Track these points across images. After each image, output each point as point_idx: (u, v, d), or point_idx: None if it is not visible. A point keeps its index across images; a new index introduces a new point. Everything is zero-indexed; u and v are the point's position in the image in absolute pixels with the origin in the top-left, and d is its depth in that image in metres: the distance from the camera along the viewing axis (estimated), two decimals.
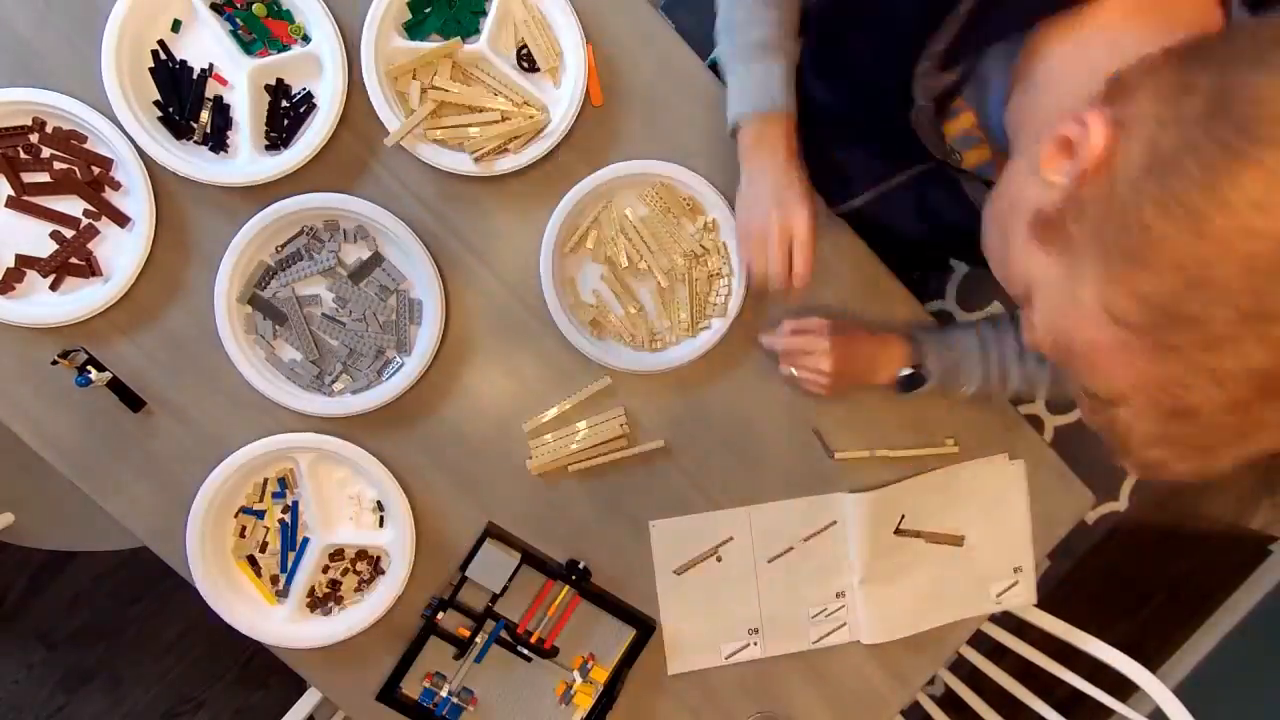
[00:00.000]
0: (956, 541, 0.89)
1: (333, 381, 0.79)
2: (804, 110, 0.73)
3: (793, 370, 0.80)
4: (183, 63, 0.75)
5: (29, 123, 0.74)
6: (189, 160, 0.74)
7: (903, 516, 0.87)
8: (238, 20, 0.75)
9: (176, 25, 0.75)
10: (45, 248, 0.75)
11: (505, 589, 0.81)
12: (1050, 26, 0.49)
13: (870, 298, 0.86)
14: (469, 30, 0.78)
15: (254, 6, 0.74)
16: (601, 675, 0.84)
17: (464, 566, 0.81)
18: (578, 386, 0.83)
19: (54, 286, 0.76)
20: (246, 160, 0.76)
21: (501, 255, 0.81)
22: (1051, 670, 0.92)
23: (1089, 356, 0.40)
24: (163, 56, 0.75)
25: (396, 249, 0.79)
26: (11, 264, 0.75)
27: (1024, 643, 0.96)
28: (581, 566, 0.83)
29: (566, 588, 0.82)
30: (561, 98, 0.79)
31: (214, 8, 0.74)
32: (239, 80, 0.75)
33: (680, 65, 0.81)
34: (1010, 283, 0.46)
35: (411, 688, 0.83)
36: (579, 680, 0.83)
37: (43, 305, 0.75)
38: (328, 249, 0.78)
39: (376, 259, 0.79)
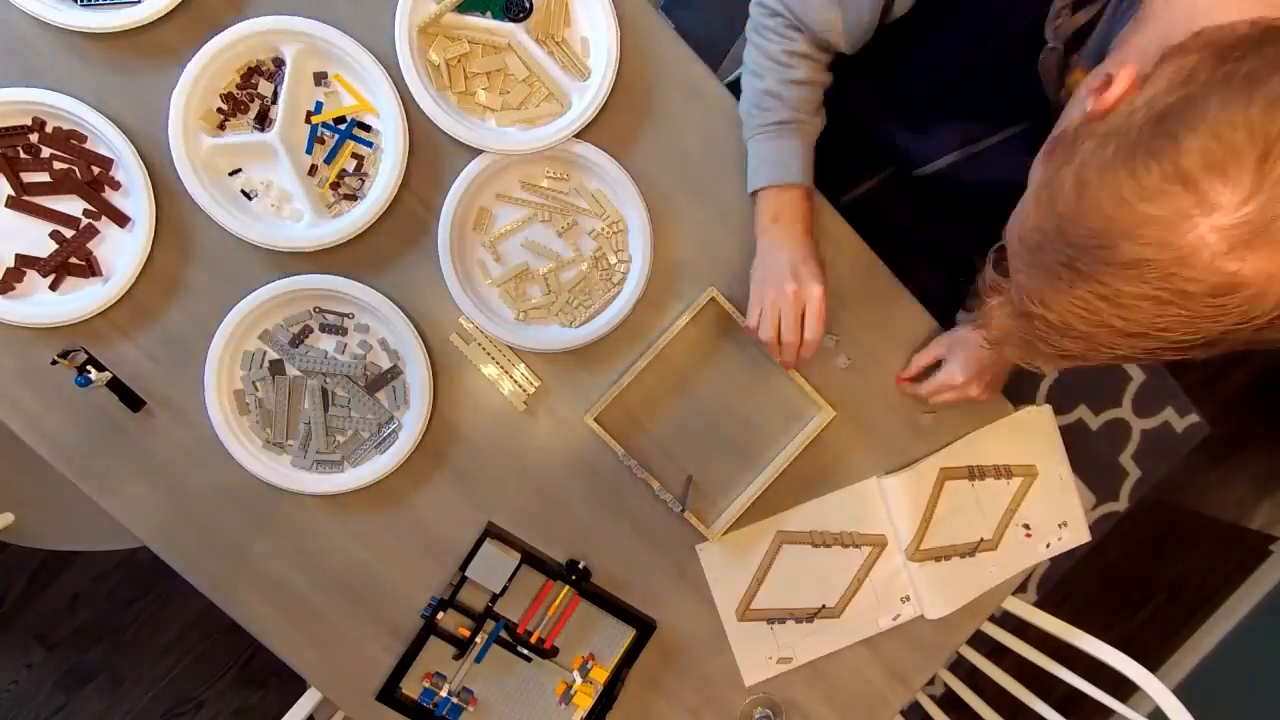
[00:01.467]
0: (1031, 473, 0.89)
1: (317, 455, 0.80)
2: (892, 90, 0.75)
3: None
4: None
5: (29, 122, 0.74)
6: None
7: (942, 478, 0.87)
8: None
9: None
10: (45, 247, 0.75)
11: (505, 589, 0.81)
12: None
13: (871, 299, 0.86)
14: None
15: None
16: (601, 675, 0.84)
17: (463, 566, 0.81)
18: (577, 378, 0.83)
19: (54, 286, 0.76)
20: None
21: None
22: (1051, 670, 0.92)
23: (1014, 248, 0.46)
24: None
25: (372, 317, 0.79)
26: (11, 264, 0.75)
27: (1024, 642, 0.96)
28: (581, 566, 0.83)
29: (566, 588, 0.82)
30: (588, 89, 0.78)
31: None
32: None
33: (685, 73, 0.81)
34: (1019, 224, 0.48)
35: (411, 688, 0.83)
36: (579, 680, 0.83)
37: (42, 305, 0.75)
38: (352, 349, 0.79)
39: (395, 372, 0.79)
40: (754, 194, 0.78)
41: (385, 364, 0.80)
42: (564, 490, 0.84)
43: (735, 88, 0.80)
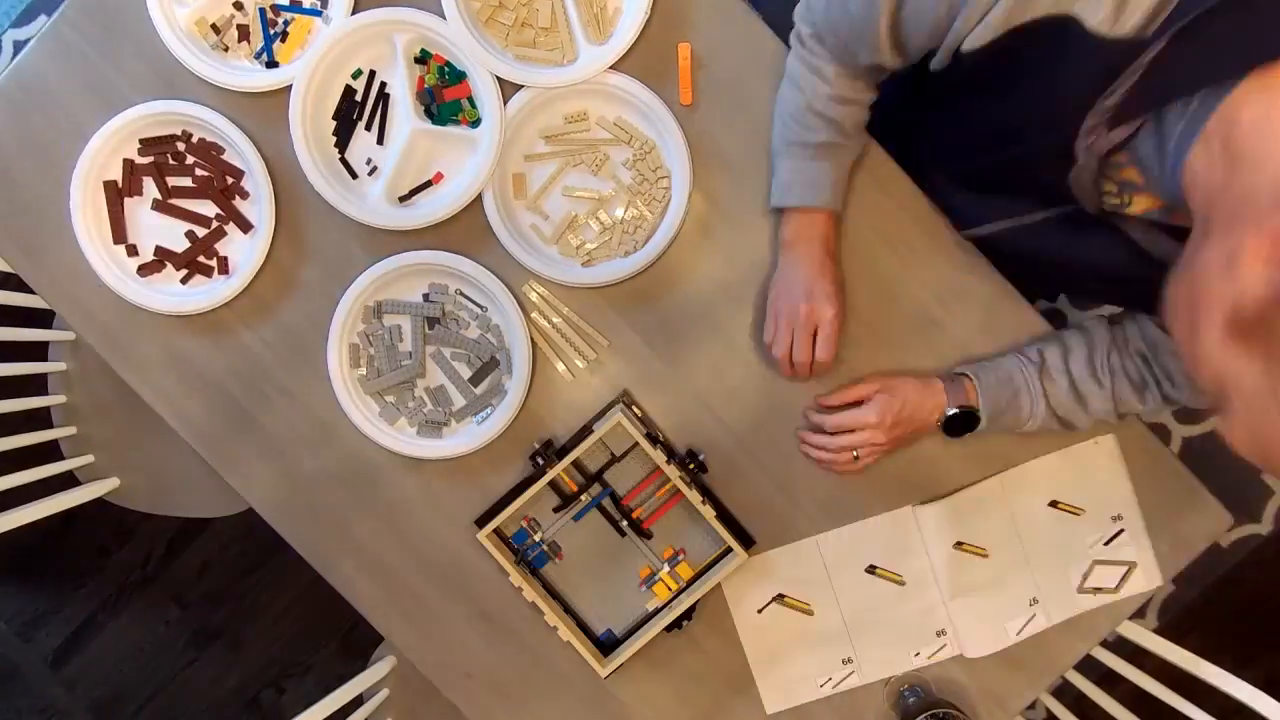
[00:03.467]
0: (1077, 510, 0.82)
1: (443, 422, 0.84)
2: (935, 150, 0.72)
3: (853, 453, 0.78)
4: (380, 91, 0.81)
5: (179, 133, 0.82)
6: (335, 188, 0.80)
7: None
8: (430, 85, 0.80)
9: (358, 74, 0.81)
10: (181, 244, 0.83)
11: (624, 455, 0.81)
12: (1266, 77, 0.40)
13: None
14: None
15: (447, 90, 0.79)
16: (687, 574, 0.83)
17: (591, 424, 0.81)
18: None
19: (185, 281, 0.84)
20: (376, 203, 0.80)
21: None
22: (1174, 705, 0.84)
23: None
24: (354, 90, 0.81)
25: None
26: (152, 255, 0.83)
27: (1141, 672, 0.88)
28: (701, 458, 0.81)
29: (679, 476, 0.80)
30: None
31: (418, 60, 0.80)
32: (401, 133, 0.80)
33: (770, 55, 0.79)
34: (1200, 378, 0.41)
35: (508, 526, 0.83)
36: (665, 570, 0.83)
37: (174, 295, 0.83)
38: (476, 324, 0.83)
39: (493, 363, 0.83)
40: (778, 211, 0.77)
41: (490, 338, 0.83)
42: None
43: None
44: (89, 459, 1.12)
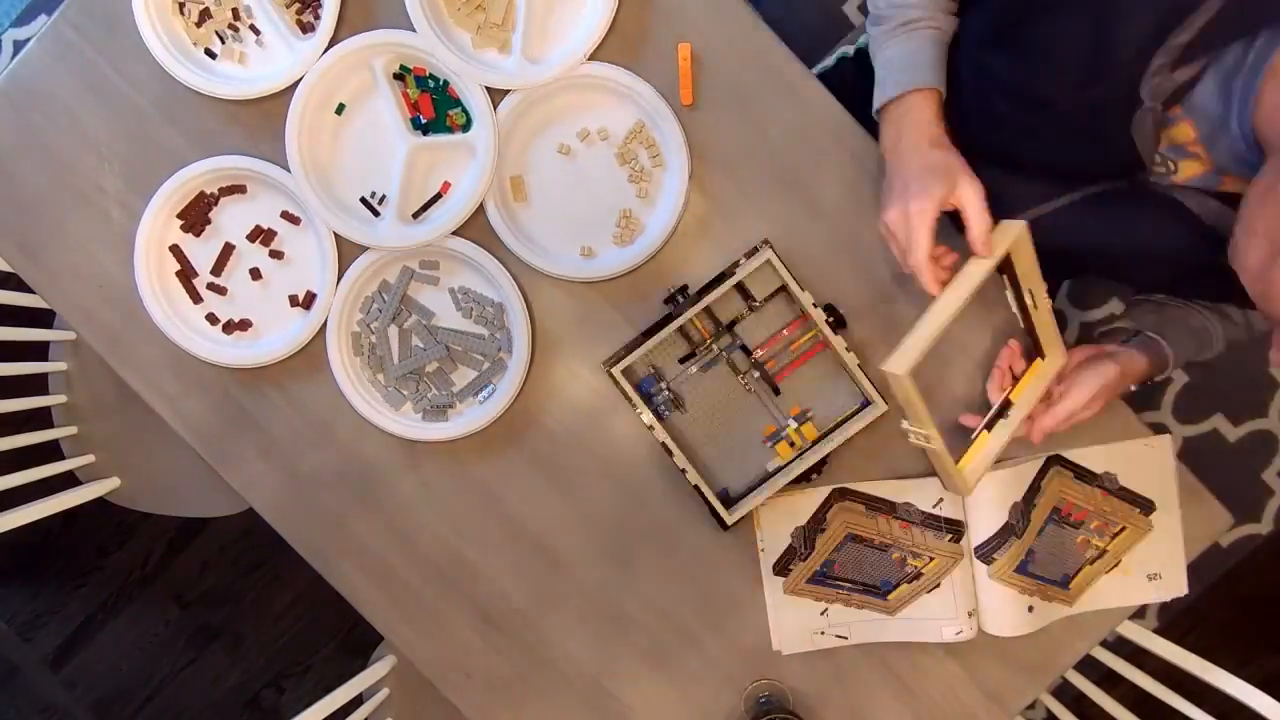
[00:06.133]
0: (1149, 507, 0.81)
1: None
2: (962, 129, 0.69)
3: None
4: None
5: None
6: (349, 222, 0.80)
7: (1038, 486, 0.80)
8: (412, 94, 0.80)
9: (340, 109, 0.80)
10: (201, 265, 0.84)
11: (763, 303, 0.79)
12: None
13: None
14: None
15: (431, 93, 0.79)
16: (812, 434, 0.82)
17: (731, 269, 0.77)
18: None
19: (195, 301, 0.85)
20: (390, 225, 0.80)
21: None
22: (1174, 705, 0.84)
23: None
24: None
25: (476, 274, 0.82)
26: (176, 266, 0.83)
27: (1141, 672, 0.88)
28: (841, 310, 0.78)
29: (814, 331, 0.78)
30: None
31: (397, 76, 0.80)
32: (398, 153, 0.80)
33: (769, 57, 0.79)
34: (1272, 299, 0.43)
35: (632, 374, 0.80)
36: (793, 426, 0.81)
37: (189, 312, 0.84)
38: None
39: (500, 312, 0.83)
40: (879, 112, 0.71)
41: (488, 312, 0.83)
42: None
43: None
44: (89, 459, 1.12)
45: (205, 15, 0.80)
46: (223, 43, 0.81)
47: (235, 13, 0.80)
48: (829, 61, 0.98)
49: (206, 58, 0.81)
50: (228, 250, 0.83)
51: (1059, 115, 0.60)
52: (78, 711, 1.58)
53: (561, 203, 0.82)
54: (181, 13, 0.81)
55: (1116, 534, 0.82)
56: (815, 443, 0.81)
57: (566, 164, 0.81)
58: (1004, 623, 0.81)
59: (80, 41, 0.81)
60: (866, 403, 0.80)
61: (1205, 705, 0.81)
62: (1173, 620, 1.56)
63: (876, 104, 0.71)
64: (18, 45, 1.50)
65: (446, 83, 0.80)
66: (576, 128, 0.81)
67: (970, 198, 0.64)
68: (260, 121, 0.81)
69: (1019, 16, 0.59)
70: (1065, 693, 0.94)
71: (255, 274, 0.83)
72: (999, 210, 0.67)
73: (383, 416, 0.83)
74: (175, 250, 0.83)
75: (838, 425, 0.81)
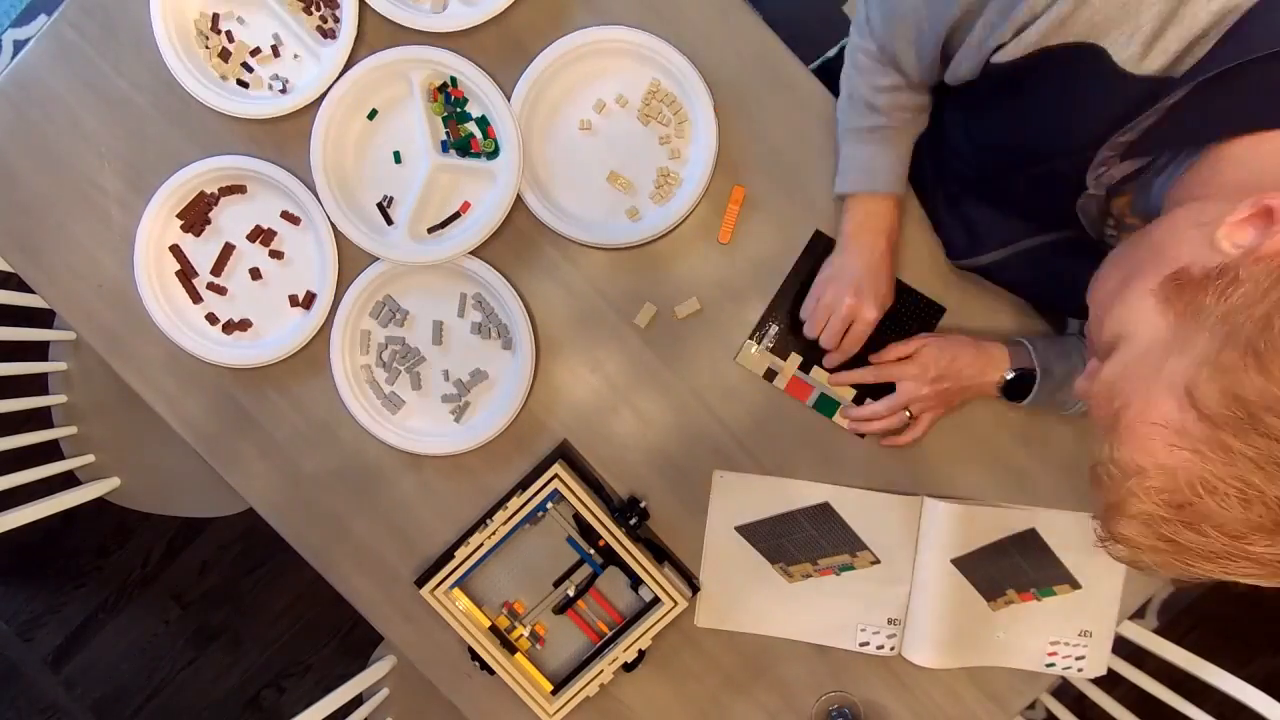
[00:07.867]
0: (1071, 584, 0.81)
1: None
2: (943, 161, 0.72)
3: (905, 412, 0.78)
4: None
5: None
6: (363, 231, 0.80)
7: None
8: (446, 118, 0.80)
9: (373, 114, 0.80)
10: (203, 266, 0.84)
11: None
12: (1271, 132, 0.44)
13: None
14: None
15: (467, 122, 0.80)
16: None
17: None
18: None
19: (195, 300, 0.84)
20: (402, 239, 0.80)
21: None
22: (1174, 705, 0.84)
23: (1134, 425, 0.39)
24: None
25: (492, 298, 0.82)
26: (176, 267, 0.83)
27: (1141, 672, 0.88)
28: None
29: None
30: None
31: (440, 89, 0.79)
32: (419, 168, 0.79)
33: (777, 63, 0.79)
34: (1102, 327, 0.45)
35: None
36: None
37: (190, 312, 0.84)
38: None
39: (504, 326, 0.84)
40: (841, 198, 0.76)
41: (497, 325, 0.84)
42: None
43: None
44: (89, 459, 1.12)
45: (225, 54, 0.80)
46: (250, 71, 0.81)
47: (257, 50, 0.80)
48: (831, 54, 0.98)
49: (239, 88, 0.81)
50: (228, 250, 0.83)
51: (1023, 177, 0.62)
52: (78, 711, 1.58)
53: (597, 176, 0.81)
54: (206, 47, 0.81)
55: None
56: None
57: (590, 139, 0.81)
58: (926, 646, 0.81)
59: (80, 41, 0.81)
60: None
61: (1205, 705, 0.81)
62: (1172, 620, 1.56)
63: (840, 190, 0.76)
64: (18, 45, 1.50)
65: (485, 117, 0.80)
66: (592, 100, 0.80)
67: (868, 326, 0.75)
68: (260, 121, 0.81)
69: (990, 92, 0.61)
70: (1065, 693, 0.94)
71: (255, 274, 0.83)
72: (970, 242, 0.73)
73: (382, 428, 0.83)
74: (175, 250, 0.83)
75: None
